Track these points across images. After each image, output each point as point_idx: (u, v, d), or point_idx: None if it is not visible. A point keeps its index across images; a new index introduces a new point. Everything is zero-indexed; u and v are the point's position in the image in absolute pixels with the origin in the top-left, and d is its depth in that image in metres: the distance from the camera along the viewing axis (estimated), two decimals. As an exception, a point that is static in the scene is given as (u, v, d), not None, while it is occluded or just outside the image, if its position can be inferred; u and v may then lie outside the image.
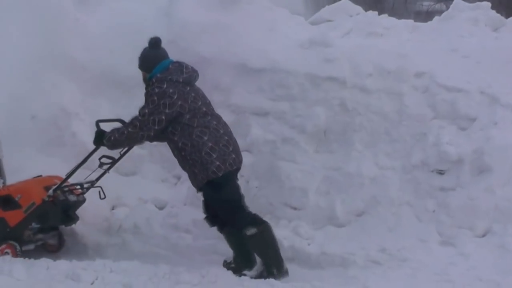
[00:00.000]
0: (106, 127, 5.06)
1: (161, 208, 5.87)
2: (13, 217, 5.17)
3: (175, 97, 4.73)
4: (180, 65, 4.90)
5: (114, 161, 5.32)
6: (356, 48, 6.00)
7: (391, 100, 5.73)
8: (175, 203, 5.85)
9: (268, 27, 6.28)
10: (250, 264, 4.93)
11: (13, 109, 5.92)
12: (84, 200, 5.46)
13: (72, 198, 5.36)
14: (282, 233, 5.30)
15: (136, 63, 5.03)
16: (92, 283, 4.50)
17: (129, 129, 4.81)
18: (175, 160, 4.98)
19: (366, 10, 7.18)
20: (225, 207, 4.85)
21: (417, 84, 5.78)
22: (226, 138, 4.86)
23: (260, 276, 4.85)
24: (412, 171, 5.47)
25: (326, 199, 5.53)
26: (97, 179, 5.42)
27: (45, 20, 6.26)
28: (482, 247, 4.92)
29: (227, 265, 5.02)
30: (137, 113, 4.81)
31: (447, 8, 7.11)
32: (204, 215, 5.03)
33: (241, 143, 5.24)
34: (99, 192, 5.41)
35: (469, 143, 5.40)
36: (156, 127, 4.75)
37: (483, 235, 5.05)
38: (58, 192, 5.22)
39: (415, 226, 5.24)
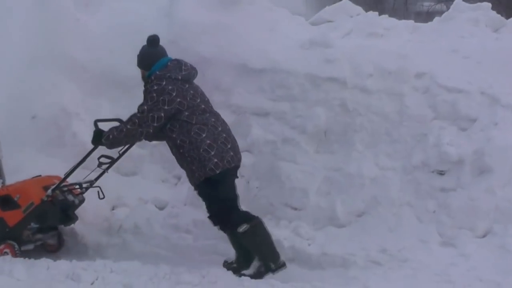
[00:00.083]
0: (105, 127, 5.05)
1: (161, 209, 5.86)
2: (12, 217, 5.17)
3: (174, 94, 4.74)
4: (178, 63, 4.90)
5: (113, 161, 5.32)
6: (356, 49, 6.00)
7: (392, 101, 5.73)
8: (175, 203, 5.84)
9: (269, 27, 6.28)
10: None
11: (13, 109, 5.93)
12: (83, 200, 5.46)
13: (71, 198, 5.36)
14: (282, 234, 5.31)
15: (136, 63, 5.03)
16: (92, 283, 4.49)
17: (128, 126, 4.81)
18: (176, 160, 4.98)
19: (366, 10, 7.18)
20: (220, 205, 4.82)
21: (418, 85, 5.78)
22: (224, 135, 4.86)
23: (258, 272, 4.84)
24: (413, 171, 5.47)
25: (327, 199, 5.53)
26: (96, 179, 5.42)
27: (45, 20, 6.27)
28: (483, 247, 4.91)
29: (227, 265, 5.01)
30: (135, 110, 4.81)
31: (448, 8, 7.10)
32: (208, 214, 5.00)
33: (241, 143, 5.24)
34: (98, 192, 5.41)
35: (470, 143, 5.40)
36: (155, 124, 4.75)
37: (484, 236, 5.05)
38: (57, 192, 5.22)
39: (416, 227, 5.24)
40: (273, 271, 4.82)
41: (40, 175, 5.50)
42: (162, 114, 4.73)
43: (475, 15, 6.53)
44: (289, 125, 5.79)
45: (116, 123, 5.09)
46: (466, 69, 5.84)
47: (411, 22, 6.95)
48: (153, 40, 4.95)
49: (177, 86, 4.78)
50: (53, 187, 5.20)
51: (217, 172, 4.73)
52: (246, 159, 5.50)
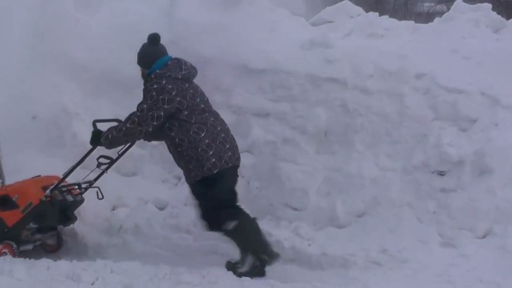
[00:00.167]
0: (104, 127, 5.05)
1: (161, 209, 5.86)
2: (10, 217, 5.16)
3: (174, 93, 4.74)
4: (179, 62, 4.91)
5: (112, 161, 5.32)
6: (356, 49, 5.99)
7: (392, 101, 5.73)
8: (175, 203, 5.84)
9: (269, 27, 6.27)
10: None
11: (13, 109, 5.93)
12: (82, 200, 5.46)
13: (70, 198, 5.35)
14: (282, 234, 5.31)
15: (136, 61, 5.03)
16: (92, 284, 4.50)
17: (127, 125, 4.80)
18: (173, 159, 4.97)
19: (366, 11, 7.17)
20: (212, 205, 4.81)
21: (418, 85, 5.78)
22: (223, 135, 4.86)
23: (253, 267, 4.83)
24: (413, 172, 5.47)
25: (327, 200, 5.53)
26: (95, 179, 5.42)
27: (45, 20, 6.27)
28: (483, 248, 4.92)
29: (230, 266, 4.97)
30: (135, 109, 4.81)
31: (448, 9, 7.10)
32: (199, 214, 4.97)
33: (241, 144, 5.24)
34: (97, 192, 5.41)
35: (470, 144, 5.40)
36: (154, 123, 4.74)
37: (484, 236, 5.05)
38: (56, 192, 5.21)
39: (416, 227, 5.24)
40: (269, 262, 4.82)
41: (39, 175, 5.50)
42: (162, 113, 4.73)
43: (475, 15, 6.53)
44: (290, 126, 5.79)
45: (115, 124, 5.09)
46: (467, 69, 5.84)
47: (411, 22, 6.95)
48: (153, 38, 4.95)
49: (177, 85, 4.78)
50: (51, 187, 5.20)
51: (215, 172, 4.73)
52: (246, 160, 5.50)
